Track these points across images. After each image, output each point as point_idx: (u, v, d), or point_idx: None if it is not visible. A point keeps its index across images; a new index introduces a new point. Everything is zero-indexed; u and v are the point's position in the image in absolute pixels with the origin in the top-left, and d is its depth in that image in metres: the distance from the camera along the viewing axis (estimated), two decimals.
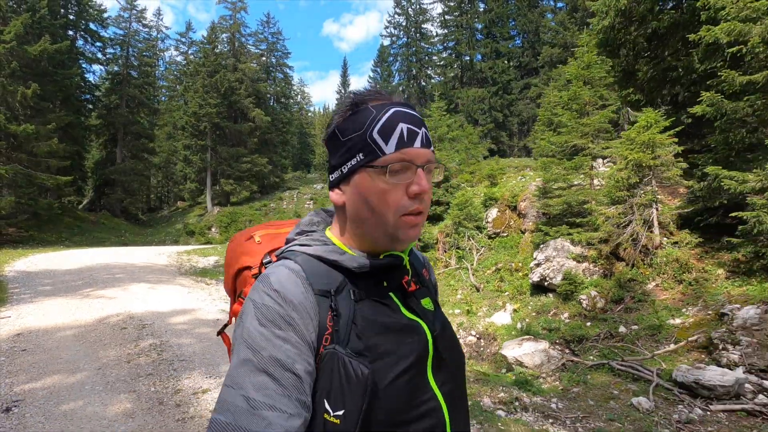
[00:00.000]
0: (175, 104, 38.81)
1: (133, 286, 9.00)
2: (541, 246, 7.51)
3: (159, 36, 43.68)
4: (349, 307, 0.76)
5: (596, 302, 6.22)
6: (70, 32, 27.39)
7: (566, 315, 6.34)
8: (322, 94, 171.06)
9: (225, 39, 34.77)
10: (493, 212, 10.15)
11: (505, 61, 33.52)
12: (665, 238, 6.49)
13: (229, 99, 32.25)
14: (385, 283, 0.82)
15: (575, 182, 7.98)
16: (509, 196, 9.82)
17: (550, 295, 6.97)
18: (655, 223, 6.43)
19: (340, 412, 0.68)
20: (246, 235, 1.08)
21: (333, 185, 0.83)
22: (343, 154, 0.78)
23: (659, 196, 7.68)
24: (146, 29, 36.17)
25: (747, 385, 3.86)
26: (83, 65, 28.97)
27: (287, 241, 0.88)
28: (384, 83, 40.35)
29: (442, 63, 36.59)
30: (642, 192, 6.38)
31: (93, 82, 31.75)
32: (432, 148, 0.79)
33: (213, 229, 29.58)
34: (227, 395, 0.66)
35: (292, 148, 57.22)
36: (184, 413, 3.26)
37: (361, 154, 0.76)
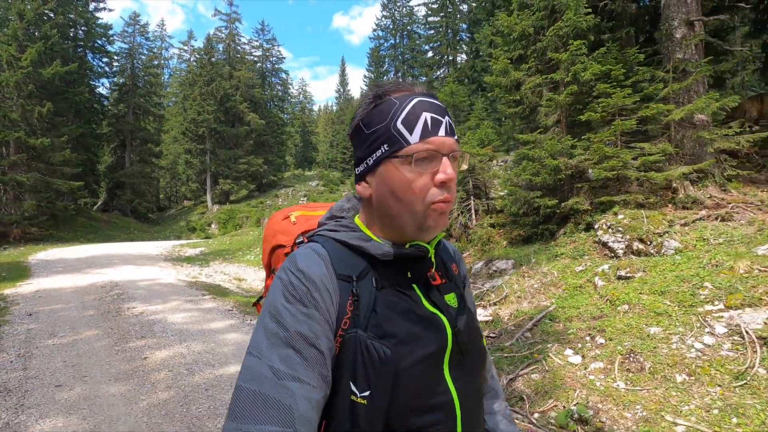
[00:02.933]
0: (178, 109, 42.32)
1: (123, 267, 12.20)
2: None
3: (163, 45, 47.51)
4: (371, 294, 0.79)
5: None
6: (80, 49, 30.99)
7: None
8: (333, 88, 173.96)
9: (221, 48, 38.15)
10: None
11: (484, 61, 35.91)
12: (484, 221, 9.31)
13: (225, 105, 35.62)
14: (409, 274, 0.84)
15: None
16: None
17: None
18: (473, 211, 9.29)
19: (366, 393, 0.72)
20: (283, 214, 1.13)
21: (359, 178, 0.85)
22: (368, 146, 0.82)
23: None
24: (149, 42, 39.70)
25: None
26: (93, 79, 32.56)
27: (319, 225, 0.92)
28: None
29: (427, 64, 39.11)
30: (462, 189, 9.25)
31: (103, 93, 35.46)
32: (456, 136, 0.81)
33: (213, 226, 33.02)
34: (253, 364, 0.70)
35: (295, 146, 60.63)
36: (118, 314, 6.36)
37: (385, 145, 0.78)
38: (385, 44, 42.41)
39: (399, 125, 0.77)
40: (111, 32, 33.46)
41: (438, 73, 38.38)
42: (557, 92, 7.19)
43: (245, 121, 36.87)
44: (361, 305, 0.78)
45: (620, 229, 6.19)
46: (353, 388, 0.73)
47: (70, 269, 11.60)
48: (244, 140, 36.98)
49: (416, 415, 0.75)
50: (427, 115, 0.77)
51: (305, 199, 36.22)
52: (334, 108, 66.35)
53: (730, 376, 3.35)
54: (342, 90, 60.54)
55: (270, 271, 1.11)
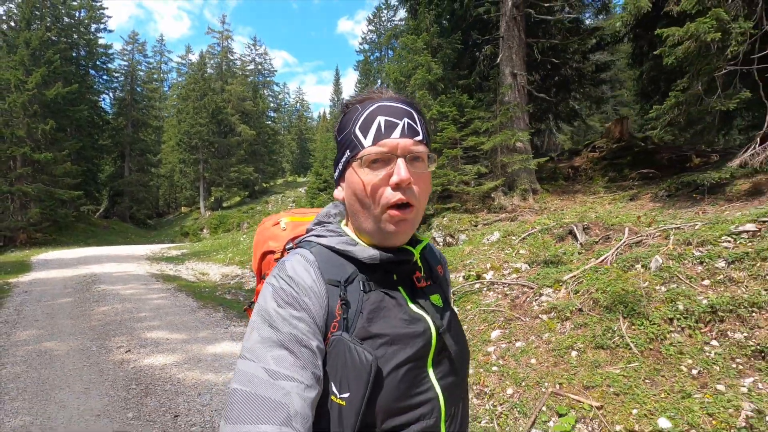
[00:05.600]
0: (174, 121, 45.46)
1: (107, 264, 14.96)
2: None
3: (163, 60, 50.82)
4: (358, 297, 0.84)
5: None
6: (82, 68, 34.16)
7: None
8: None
9: (214, 64, 41.22)
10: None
11: None
12: None
13: (217, 117, 38.62)
14: (395, 277, 0.90)
15: None
16: None
17: None
18: None
19: (346, 395, 0.76)
20: (273, 220, 1.18)
21: (336, 183, 0.93)
22: (338, 152, 0.89)
23: None
24: (147, 59, 42.95)
25: None
26: (94, 95, 35.75)
27: (307, 231, 0.97)
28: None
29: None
30: None
31: (104, 108, 38.67)
32: (420, 137, 0.84)
33: (204, 230, 35.81)
34: (247, 367, 0.74)
35: (292, 153, 63.68)
36: (87, 291, 9.08)
37: (348, 151, 0.85)
38: (371, 57, 45.16)
39: (356, 131, 0.83)
40: (111, 51, 36.72)
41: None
42: None
43: (237, 132, 39.82)
44: (349, 309, 0.82)
45: (441, 227, 8.78)
46: (334, 389, 0.78)
47: (63, 266, 14.37)
48: (236, 150, 39.90)
49: (402, 412, 0.80)
50: (381, 119, 0.82)
51: (293, 204, 38.81)
52: (329, 116, 69.25)
53: None
54: (336, 98, 63.44)
55: (261, 276, 1.14)
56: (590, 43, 13.11)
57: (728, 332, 3.59)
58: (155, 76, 46.06)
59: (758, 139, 6.03)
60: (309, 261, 0.86)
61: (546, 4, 9.84)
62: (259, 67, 47.27)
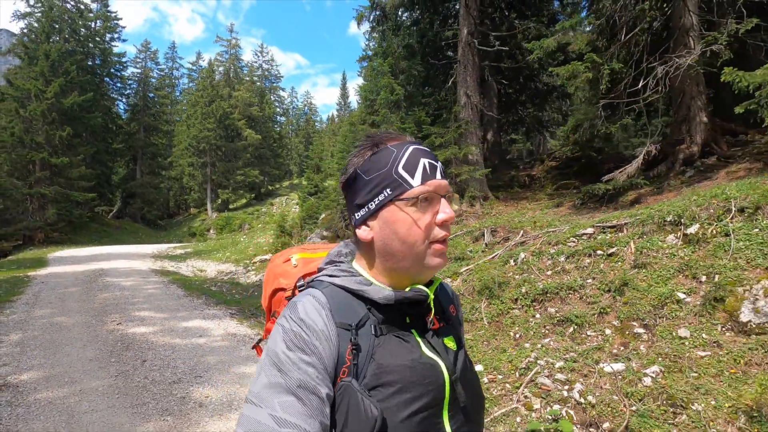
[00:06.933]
0: (184, 127, 47.45)
1: (115, 260, 16.56)
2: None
3: (174, 66, 52.92)
4: (370, 342, 0.82)
5: None
6: (96, 76, 36.22)
7: None
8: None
9: (223, 70, 43.07)
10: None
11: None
12: None
13: (224, 123, 40.40)
14: (408, 319, 0.88)
15: None
16: None
17: None
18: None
19: None
20: (284, 256, 1.18)
21: (359, 222, 0.89)
22: (369, 192, 0.86)
23: None
24: (158, 66, 45.00)
25: None
26: (108, 101, 37.81)
27: (318, 270, 0.96)
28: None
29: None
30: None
31: (118, 113, 40.74)
32: (447, 179, 0.89)
33: (211, 231, 37.57)
34: (253, 413, 0.73)
35: (299, 155, 65.48)
36: (93, 282, 10.62)
37: (388, 189, 0.84)
38: (375, 63, 46.54)
39: (401, 170, 0.83)
40: (124, 59, 38.78)
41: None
42: None
43: (243, 137, 41.57)
44: (360, 354, 0.81)
45: None
46: None
47: (76, 262, 16.02)
48: (242, 153, 41.65)
49: None
50: (425, 161, 0.85)
51: (297, 207, 40.20)
52: (336, 120, 70.92)
53: None
54: (342, 102, 65.13)
55: (271, 314, 1.15)
56: (557, 59, 14.29)
57: (548, 308, 4.91)
58: (166, 82, 48.18)
59: (640, 156, 7.31)
60: (321, 303, 0.85)
61: (494, 33, 11.16)
62: (266, 73, 49.07)
